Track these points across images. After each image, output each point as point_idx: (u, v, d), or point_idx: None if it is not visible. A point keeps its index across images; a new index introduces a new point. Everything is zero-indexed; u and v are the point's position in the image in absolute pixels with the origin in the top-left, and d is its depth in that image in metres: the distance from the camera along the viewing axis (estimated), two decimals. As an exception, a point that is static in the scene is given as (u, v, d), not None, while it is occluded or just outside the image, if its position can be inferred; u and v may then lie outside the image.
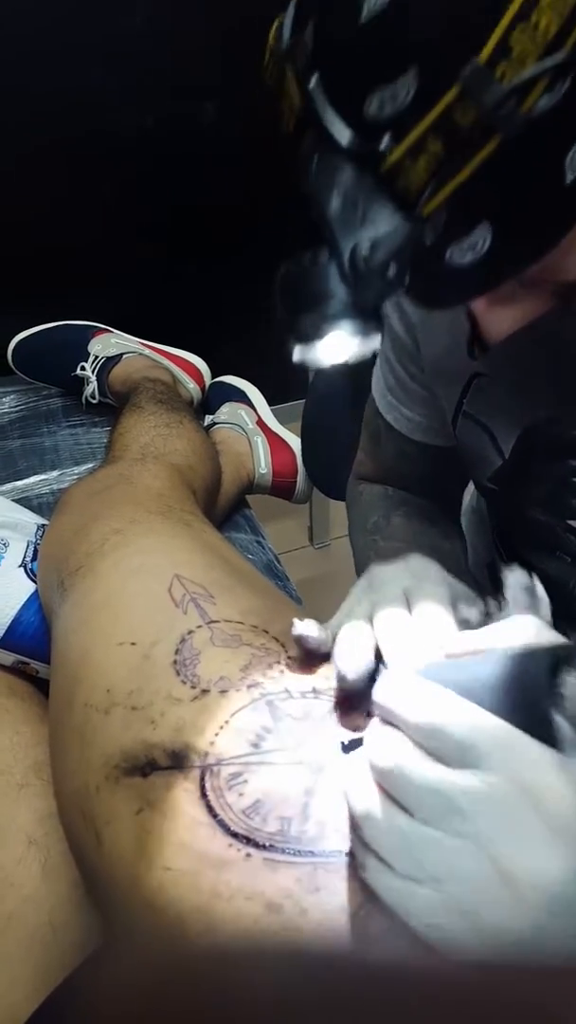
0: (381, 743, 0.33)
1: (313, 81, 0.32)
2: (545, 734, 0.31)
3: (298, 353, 0.37)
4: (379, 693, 0.34)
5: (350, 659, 0.41)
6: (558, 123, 0.31)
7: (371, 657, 0.42)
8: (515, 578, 0.43)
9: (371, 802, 0.32)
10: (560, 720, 0.31)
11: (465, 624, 0.43)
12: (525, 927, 0.28)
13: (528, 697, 0.32)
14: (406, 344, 0.63)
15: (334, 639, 0.44)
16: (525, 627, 0.37)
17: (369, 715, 0.42)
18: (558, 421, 0.54)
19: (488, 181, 0.32)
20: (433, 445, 0.68)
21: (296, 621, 0.44)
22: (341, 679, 0.41)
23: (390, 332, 0.65)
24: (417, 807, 0.31)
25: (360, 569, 0.68)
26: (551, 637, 0.37)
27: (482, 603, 0.45)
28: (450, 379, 0.61)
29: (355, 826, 0.33)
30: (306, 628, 0.44)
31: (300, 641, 0.44)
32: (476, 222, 0.33)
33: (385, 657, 0.42)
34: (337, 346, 0.36)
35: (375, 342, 0.36)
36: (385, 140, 0.31)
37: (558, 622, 0.54)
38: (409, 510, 0.70)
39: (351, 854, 0.36)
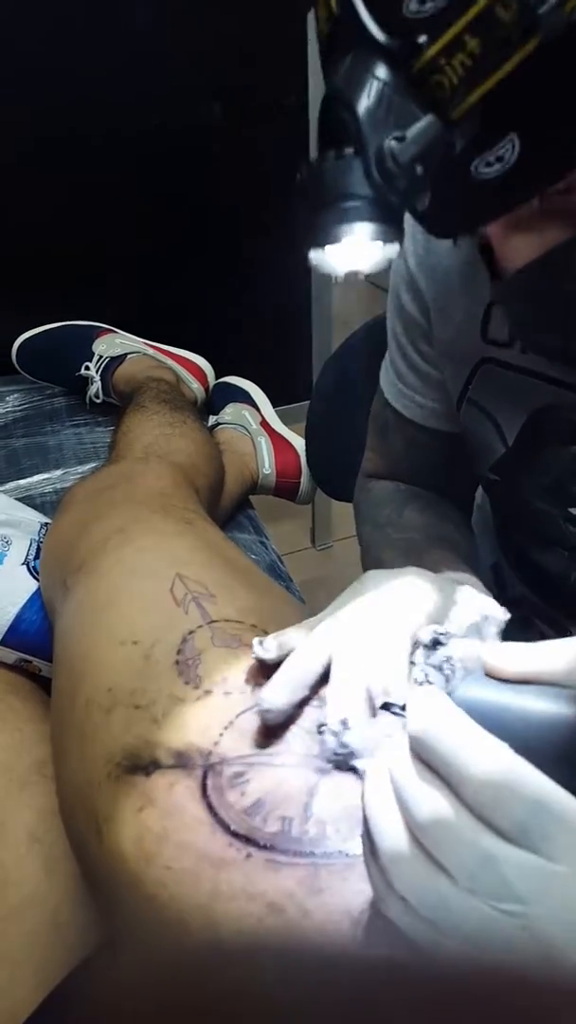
0: (422, 795, 0.28)
1: None
2: None
3: (315, 257, 0.36)
4: (424, 728, 0.29)
5: (276, 692, 0.40)
6: None
7: (297, 692, 0.41)
8: (467, 590, 0.42)
9: (402, 846, 0.28)
10: None
11: (422, 646, 0.41)
12: None
13: None
14: (420, 325, 0.63)
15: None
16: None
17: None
18: (565, 406, 0.54)
19: (521, 86, 0.31)
20: (445, 432, 0.68)
21: (255, 643, 0.43)
22: (260, 712, 0.40)
23: (403, 315, 0.64)
24: (462, 876, 0.27)
25: (373, 556, 0.67)
26: None
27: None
28: (458, 363, 0.60)
29: (378, 863, 0.29)
30: (262, 652, 0.43)
31: (259, 662, 0.44)
32: (505, 131, 0.33)
33: (328, 717, 0.40)
34: (355, 251, 0.35)
35: (392, 251, 0.35)
36: (422, 38, 0.31)
37: (559, 618, 0.54)
38: (421, 504, 0.70)
39: (354, 855, 0.36)
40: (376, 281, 0.95)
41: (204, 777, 0.39)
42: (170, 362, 1.15)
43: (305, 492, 1.14)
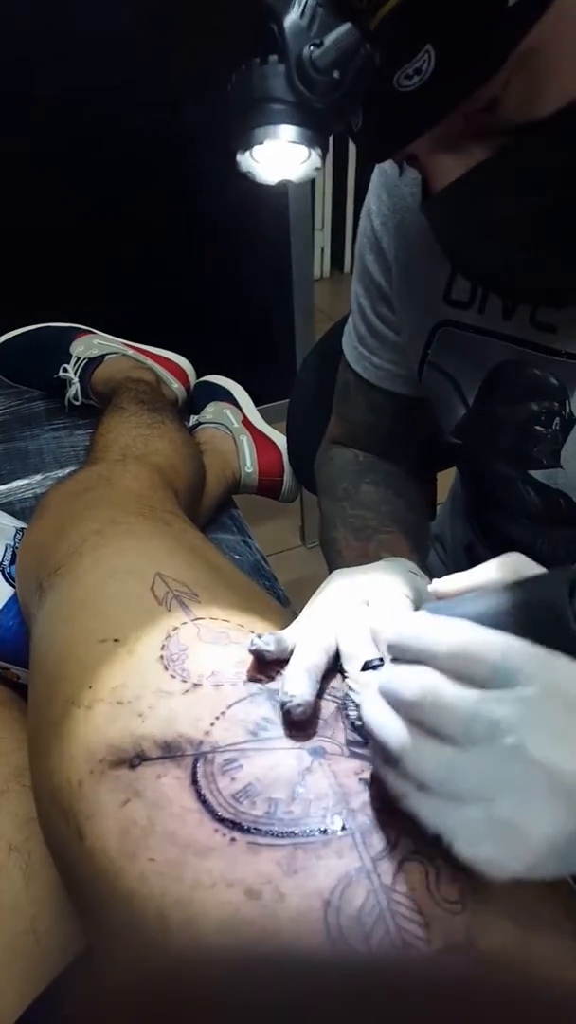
0: (407, 675, 0.32)
1: None
2: (571, 650, 0.31)
3: (242, 161, 0.38)
4: (395, 631, 0.34)
5: (300, 684, 0.41)
6: None
7: (317, 680, 0.42)
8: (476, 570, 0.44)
9: (405, 732, 0.32)
10: None
11: None
12: (573, 833, 0.30)
13: (545, 619, 0.32)
14: (381, 286, 0.64)
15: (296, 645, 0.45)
16: (513, 562, 0.37)
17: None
18: (519, 362, 0.55)
19: None
20: (402, 396, 0.69)
21: (253, 638, 0.44)
22: (287, 710, 0.40)
23: (365, 278, 0.65)
24: (458, 732, 0.30)
25: (327, 533, 0.69)
26: (539, 569, 0.36)
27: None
28: (417, 325, 0.61)
29: (391, 759, 0.32)
30: (262, 644, 0.44)
31: (257, 655, 0.44)
32: (421, 42, 0.35)
33: (349, 681, 0.42)
34: (283, 157, 0.37)
35: (317, 161, 0.37)
36: None
37: None
38: (377, 478, 0.71)
39: (331, 831, 0.35)
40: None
41: (195, 765, 0.39)
42: (150, 362, 1.14)
43: (288, 490, 1.14)
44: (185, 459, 0.84)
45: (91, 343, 1.12)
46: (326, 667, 0.43)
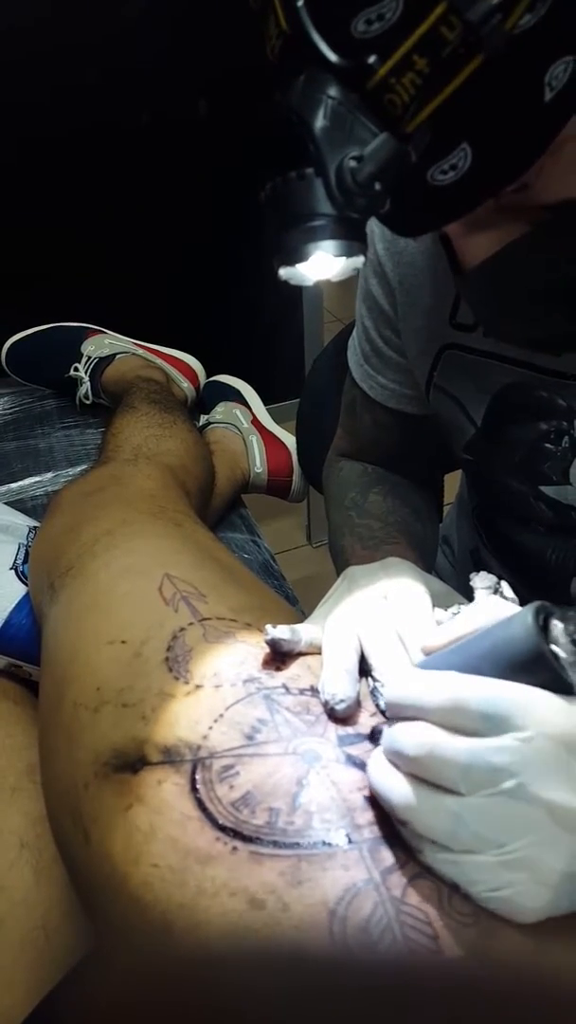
0: (405, 733, 0.33)
1: (300, 1, 0.32)
2: (547, 681, 0.32)
3: (284, 273, 0.37)
4: (390, 693, 0.36)
5: (341, 684, 0.42)
6: (539, 40, 0.31)
7: (356, 679, 0.43)
8: (480, 581, 0.45)
9: (410, 793, 0.33)
10: (559, 653, 0.33)
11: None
12: None
13: (523, 654, 0.33)
14: (384, 309, 0.64)
15: (310, 640, 0.46)
16: (491, 606, 0.39)
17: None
18: (527, 384, 0.55)
19: (470, 99, 0.32)
20: (408, 414, 0.69)
21: (268, 627, 0.44)
22: (331, 708, 0.41)
23: (368, 298, 0.65)
24: (460, 782, 0.31)
25: (335, 542, 0.69)
26: (516, 609, 0.38)
27: (455, 603, 0.46)
28: (424, 349, 0.62)
29: (401, 820, 0.33)
30: (279, 633, 0.44)
31: (273, 645, 0.45)
32: (457, 140, 0.34)
33: (376, 673, 0.43)
34: (322, 264, 0.36)
35: (359, 261, 0.36)
36: (371, 58, 0.32)
37: (538, 593, 0.57)
38: (385, 489, 0.71)
39: (336, 845, 0.36)
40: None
41: (193, 771, 0.39)
42: (159, 361, 1.15)
43: (297, 490, 1.14)
44: (196, 459, 0.85)
45: (102, 342, 1.13)
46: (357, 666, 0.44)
